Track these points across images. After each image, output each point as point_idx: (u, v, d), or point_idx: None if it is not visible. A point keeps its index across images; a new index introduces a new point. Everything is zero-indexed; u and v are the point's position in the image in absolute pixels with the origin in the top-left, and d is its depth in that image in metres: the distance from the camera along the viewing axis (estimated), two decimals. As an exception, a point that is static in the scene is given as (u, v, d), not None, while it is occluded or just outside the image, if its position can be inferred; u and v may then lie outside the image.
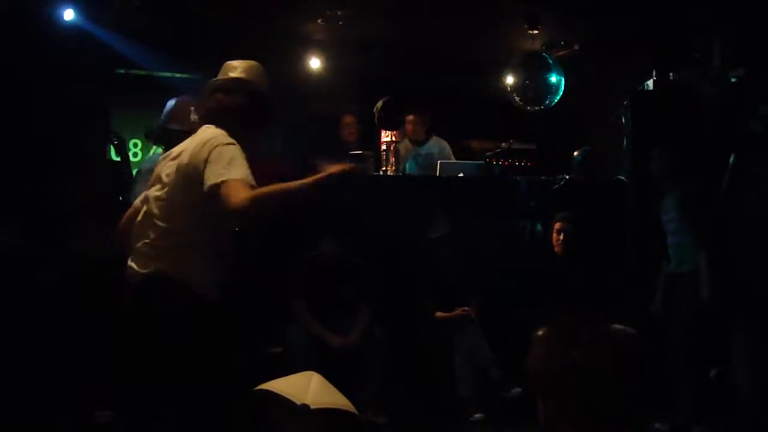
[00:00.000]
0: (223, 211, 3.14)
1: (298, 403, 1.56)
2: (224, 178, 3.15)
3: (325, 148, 8.03)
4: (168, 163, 3.48)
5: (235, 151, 3.27)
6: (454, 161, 7.61)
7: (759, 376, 5.25)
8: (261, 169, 7.09)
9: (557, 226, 6.55)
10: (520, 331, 2.37)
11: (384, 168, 7.36)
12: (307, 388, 1.61)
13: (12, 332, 5.09)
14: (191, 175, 3.30)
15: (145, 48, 7.66)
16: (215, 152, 3.24)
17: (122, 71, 8.28)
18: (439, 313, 6.33)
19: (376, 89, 8.05)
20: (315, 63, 8.58)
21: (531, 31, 7.63)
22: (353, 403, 1.66)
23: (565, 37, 8.14)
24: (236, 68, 3.69)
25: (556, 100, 7.73)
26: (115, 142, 6.06)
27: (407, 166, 7.68)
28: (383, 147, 7.41)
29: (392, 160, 7.37)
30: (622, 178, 7.12)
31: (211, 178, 3.18)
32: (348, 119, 8.07)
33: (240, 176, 3.16)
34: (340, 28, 7.69)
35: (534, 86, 7.70)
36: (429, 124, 7.88)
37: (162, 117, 4.99)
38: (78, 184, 5.48)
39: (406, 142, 7.78)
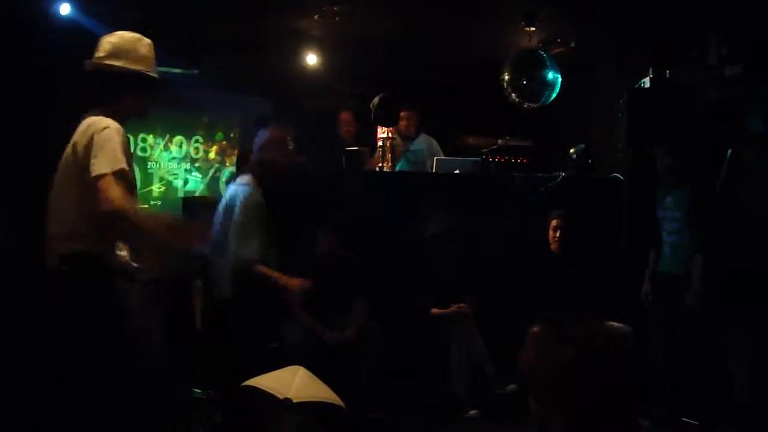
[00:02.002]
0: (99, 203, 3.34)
1: (281, 397, 1.56)
2: (98, 172, 3.35)
3: (322, 145, 8.04)
4: (68, 149, 3.60)
5: (108, 135, 3.45)
6: (450, 158, 7.62)
7: (757, 373, 5.27)
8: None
9: (553, 223, 6.56)
10: (516, 328, 2.38)
11: (380, 164, 7.36)
12: (291, 382, 1.61)
13: (7, 329, 5.08)
14: (80, 163, 3.47)
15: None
16: (93, 140, 3.43)
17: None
18: (434, 310, 6.34)
19: (372, 85, 8.04)
20: (311, 59, 8.57)
21: (528, 28, 7.62)
22: (349, 399, 1.66)
23: (562, 34, 8.14)
24: (105, 48, 3.76)
25: (552, 97, 7.73)
26: None
27: (399, 162, 7.69)
28: (379, 143, 7.41)
29: (388, 156, 7.37)
30: (618, 175, 7.13)
31: (91, 169, 3.37)
32: (345, 116, 8.08)
33: (109, 168, 3.35)
34: (336, 24, 7.68)
35: (530, 83, 7.69)
36: (420, 120, 7.89)
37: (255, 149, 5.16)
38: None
39: (398, 138, 7.79)
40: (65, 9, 7.07)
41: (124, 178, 3.41)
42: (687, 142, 6.15)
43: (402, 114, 7.76)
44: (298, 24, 7.90)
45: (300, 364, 5.69)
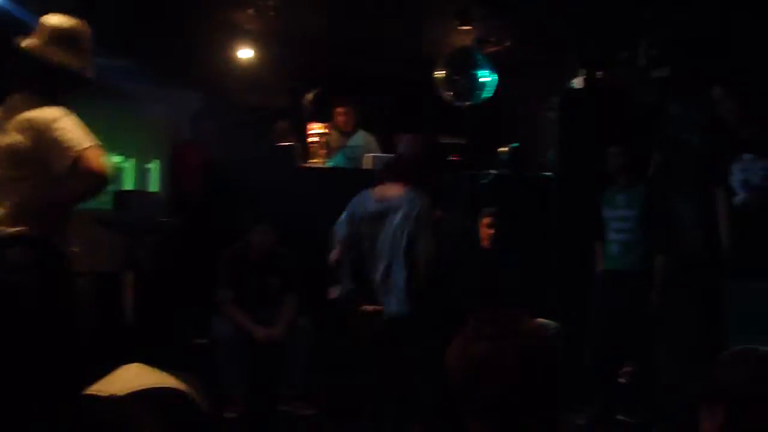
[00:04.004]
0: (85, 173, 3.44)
1: (105, 395, 1.54)
2: (84, 145, 3.46)
3: (255, 138, 8.00)
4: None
5: (70, 121, 3.52)
6: (382, 155, 7.61)
7: (682, 366, 5.40)
8: (187, 153, 7.01)
9: (486, 220, 6.60)
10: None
11: (313, 160, 7.33)
12: (119, 378, 1.60)
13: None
14: (30, 155, 3.50)
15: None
16: (53, 128, 3.46)
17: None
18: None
19: (306, 80, 8.02)
20: (246, 53, 8.50)
21: (463, 27, 7.66)
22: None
23: (497, 34, 8.20)
24: (45, 32, 3.67)
25: (486, 96, 7.79)
26: None
27: (336, 157, 7.67)
28: (313, 139, 7.38)
29: (321, 152, 7.35)
30: (549, 174, 7.21)
31: (72, 145, 3.45)
32: (282, 126, 8.07)
33: (91, 142, 3.50)
34: (271, 19, 7.63)
35: (464, 81, 7.74)
36: (358, 116, 7.89)
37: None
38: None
39: (335, 134, 7.78)
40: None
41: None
42: (613, 142, 6.23)
43: (340, 110, 7.75)
44: (233, 18, 7.83)
45: (229, 360, 5.64)
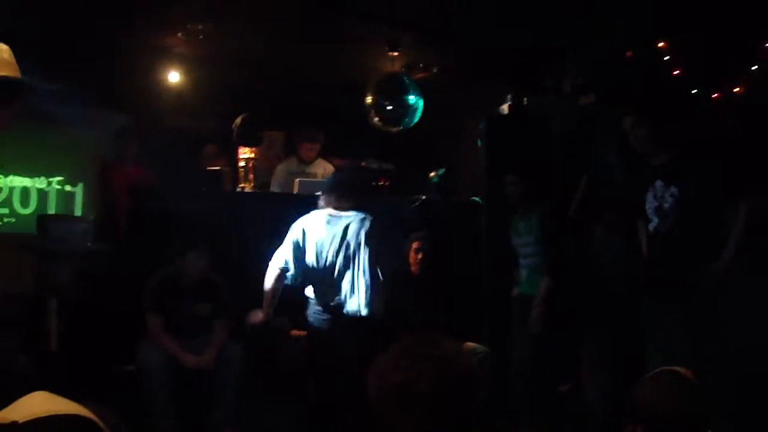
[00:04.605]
0: None
1: (8, 422, 1.53)
2: None
3: (182, 162, 7.94)
4: None
5: None
6: (312, 179, 7.62)
7: (605, 386, 5.50)
8: (114, 176, 6.90)
9: (414, 245, 6.63)
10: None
11: (242, 185, 7.31)
12: (23, 405, 1.58)
13: None
14: None
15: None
16: None
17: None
18: (294, 331, 6.32)
19: (236, 105, 7.98)
20: (174, 76, 8.44)
21: (391, 53, 7.73)
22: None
23: (425, 60, 8.29)
24: None
25: (414, 121, 7.85)
26: None
27: (290, 182, 7.64)
28: (242, 163, 7.36)
29: (251, 176, 7.33)
30: (477, 199, 7.29)
31: None
32: (211, 149, 8.05)
33: None
34: (200, 43, 7.60)
35: (392, 107, 7.80)
36: (321, 148, 8.06)
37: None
38: None
39: (294, 161, 7.85)
40: None
41: None
42: (536, 168, 6.36)
43: (307, 146, 7.88)
44: (162, 41, 7.77)
45: (157, 387, 5.55)
